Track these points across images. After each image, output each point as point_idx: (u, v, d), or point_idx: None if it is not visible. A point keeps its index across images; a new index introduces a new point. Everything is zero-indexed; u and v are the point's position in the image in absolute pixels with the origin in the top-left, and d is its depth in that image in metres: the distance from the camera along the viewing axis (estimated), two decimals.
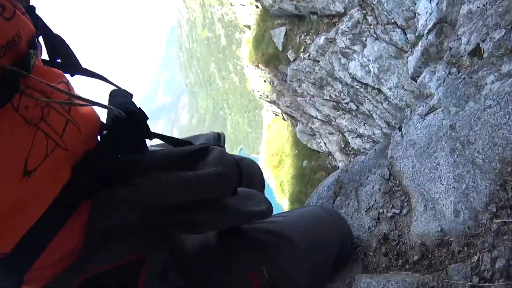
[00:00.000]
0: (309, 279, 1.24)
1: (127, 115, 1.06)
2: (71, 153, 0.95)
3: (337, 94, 4.29)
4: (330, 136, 4.92)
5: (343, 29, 3.92)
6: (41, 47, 0.93)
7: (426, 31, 2.44)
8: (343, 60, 4.05)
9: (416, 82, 2.00)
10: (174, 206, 1.03)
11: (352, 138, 4.53)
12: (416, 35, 2.68)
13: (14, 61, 0.78)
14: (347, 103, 4.34)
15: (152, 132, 1.14)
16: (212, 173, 1.06)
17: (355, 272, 1.47)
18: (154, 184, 1.01)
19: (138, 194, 0.99)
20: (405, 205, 1.55)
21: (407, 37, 3.02)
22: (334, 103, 4.48)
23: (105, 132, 1.11)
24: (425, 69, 1.84)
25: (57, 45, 1.01)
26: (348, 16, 3.92)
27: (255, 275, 1.14)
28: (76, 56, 1.07)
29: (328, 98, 4.79)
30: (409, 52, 2.89)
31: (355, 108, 4.31)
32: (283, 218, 1.35)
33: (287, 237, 1.24)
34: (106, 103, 1.09)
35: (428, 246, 1.34)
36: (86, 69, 1.08)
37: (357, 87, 4.05)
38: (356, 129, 4.48)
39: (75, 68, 1.06)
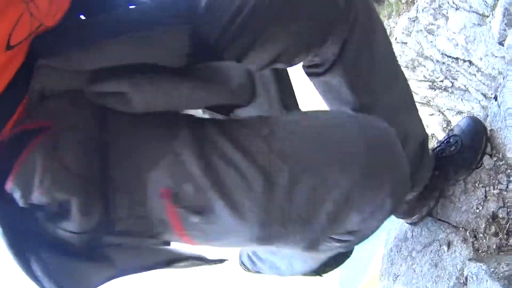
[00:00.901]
0: None
1: None
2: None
3: (431, 73, 4.07)
4: (430, 118, 4.67)
5: (423, 5, 3.75)
6: None
7: None
8: (430, 38, 3.85)
9: (504, 46, 1.85)
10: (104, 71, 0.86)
11: (452, 116, 4.26)
12: None
13: None
14: (441, 81, 4.09)
15: None
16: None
17: (466, 256, 1.41)
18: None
19: (64, 59, 0.88)
20: (511, 179, 1.45)
21: (485, 1, 2.79)
22: (430, 83, 4.25)
23: None
24: (509, 31, 1.70)
25: None
26: None
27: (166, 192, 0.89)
28: None
29: (422, 78, 4.56)
30: (491, 15, 2.66)
31: (450, 84, 4.05)
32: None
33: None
34: None
35: None
36: None
37: (448, 62, 3.81)
38: (455, 106, 4.19)
39: None
